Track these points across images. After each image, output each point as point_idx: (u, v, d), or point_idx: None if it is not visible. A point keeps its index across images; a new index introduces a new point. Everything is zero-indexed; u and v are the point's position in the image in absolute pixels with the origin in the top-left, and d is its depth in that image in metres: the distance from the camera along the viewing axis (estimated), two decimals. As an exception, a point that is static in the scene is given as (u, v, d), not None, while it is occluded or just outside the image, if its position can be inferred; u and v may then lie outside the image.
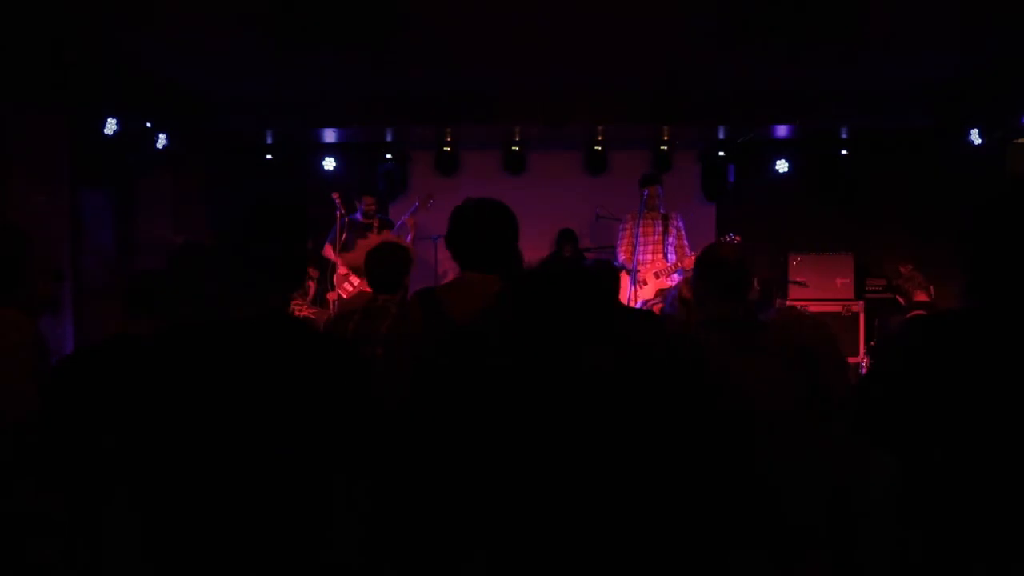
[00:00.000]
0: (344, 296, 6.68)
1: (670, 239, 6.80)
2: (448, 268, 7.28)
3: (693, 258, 6.03)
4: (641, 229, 6.78)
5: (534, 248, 7.74)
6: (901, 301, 5.02)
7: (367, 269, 3.52)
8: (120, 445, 1.44)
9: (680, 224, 6.93)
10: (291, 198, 1.67)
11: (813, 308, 6.83)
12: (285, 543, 1.38)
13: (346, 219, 6.95)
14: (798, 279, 7.29)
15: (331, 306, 6.61)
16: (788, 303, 3.49)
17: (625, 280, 6.79)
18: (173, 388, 1.37)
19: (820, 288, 7.44)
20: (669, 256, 6.77)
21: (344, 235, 6.89)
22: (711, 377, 1.72)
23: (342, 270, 6.75)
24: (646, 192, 6.83)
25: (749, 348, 2.46)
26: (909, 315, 4.93)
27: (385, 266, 3.46)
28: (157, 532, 1.33)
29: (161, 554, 1.33)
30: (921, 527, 1.45)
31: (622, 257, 6.90)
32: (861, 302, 7.46)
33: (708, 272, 2.60)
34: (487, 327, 1.76)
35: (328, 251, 6.94)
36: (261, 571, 1.39)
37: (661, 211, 6.87)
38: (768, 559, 1.56)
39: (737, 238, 6.27)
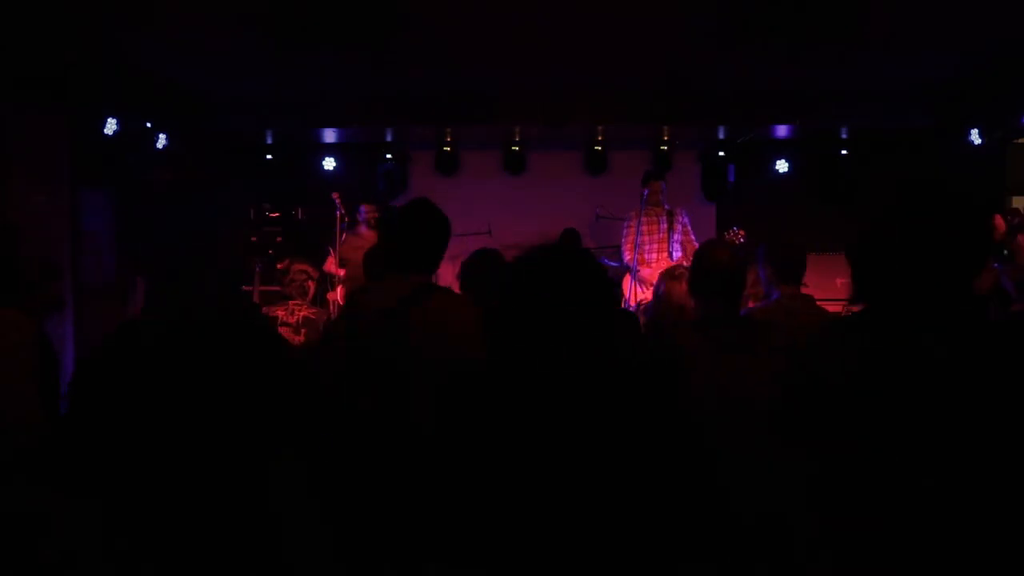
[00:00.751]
0: (342, 301, 6.65)
1: (676, 236, 6.64)
2: (444, 266, 7.24)
3: None
4: (646, 227, 6.67)
5: (534, 248, 7.74)
6: None
7: (365, 270, 3.52)
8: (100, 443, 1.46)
9: (686, 219, 6.77)
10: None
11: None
12: (234, 538, 1.40)
13: (347, 220, 6.93)
14: (798, 279, 7.27)
15: (331, 306, 6.60)
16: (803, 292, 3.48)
17: (628, 280, 6.75)
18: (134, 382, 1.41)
19: (820, 288, 7.40)
20: (675, 254, 6.62)
21: (344, 236, 6.88)
22: (681, 381, 1.73)
23: (343, 272, 6.70)
24: (646, 191, 6.75)
25: (734, 348, 2.45)
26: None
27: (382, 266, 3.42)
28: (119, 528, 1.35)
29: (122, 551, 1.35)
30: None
31: (628, 256, 6.73)
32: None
33: (699, 276, 2.61)
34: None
35: (330, 265, 6.78)
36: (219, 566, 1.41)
37: (666, 207, 6.70)
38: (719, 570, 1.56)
39: (741, 232, 6.22)
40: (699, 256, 2.66)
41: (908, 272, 1.47)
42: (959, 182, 1.51)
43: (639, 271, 6.60)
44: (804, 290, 3.74)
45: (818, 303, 3.83)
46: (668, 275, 3.32)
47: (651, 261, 6.61)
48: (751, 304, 3.74)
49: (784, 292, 3.55)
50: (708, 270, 2.57)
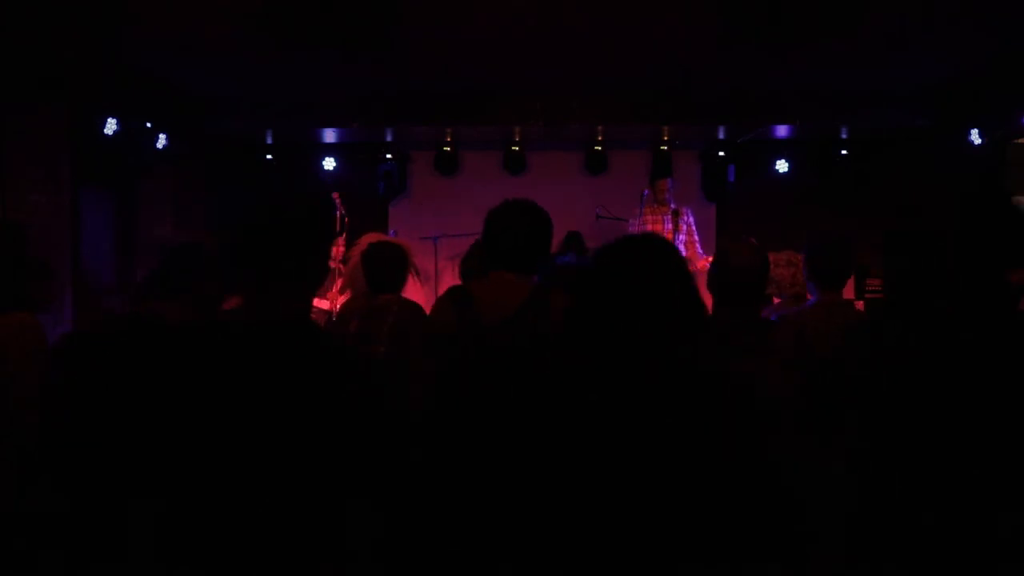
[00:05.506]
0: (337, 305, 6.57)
1: (681, 236, 6.62)
2: (444, 267, 7.23)
3: (707, 261, 5.91)
4: (650, 227, 6.66)
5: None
6: None
7: (365, 270, 3.45)
8: (126, 440, 1.43)
9: (691, 220, 6.75)
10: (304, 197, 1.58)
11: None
12: (294, 556, 1.37)
13: (347, 220, 6.92)
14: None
15: (330, 305, 6.57)
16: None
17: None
18: (183, 386, 1.36)
19: (820, 288, 7.42)
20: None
21: (344, 235, 6.86)
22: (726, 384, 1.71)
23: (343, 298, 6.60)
24: (647, 191, 6.75)
25: (750, 350, 2.44)
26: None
27: (383, 265, 3.40)
28: (167, 535, 1.33)
29: (170, 558, 1.32)
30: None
31: None
32: (861, 302, 7.45)
33: (721, 282, 2.52)
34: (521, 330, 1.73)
35: (333, 292, 6.63)
36: None
37: (672, 206, 6.69)
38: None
39: (750, 240, 6.21)
40: (722, 265, 2.54)
41: (937, 268, 1.47)
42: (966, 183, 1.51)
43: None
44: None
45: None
46: None
47: (656, 260, 6.58)
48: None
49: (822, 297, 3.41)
50: (729, 275, 2.50)
